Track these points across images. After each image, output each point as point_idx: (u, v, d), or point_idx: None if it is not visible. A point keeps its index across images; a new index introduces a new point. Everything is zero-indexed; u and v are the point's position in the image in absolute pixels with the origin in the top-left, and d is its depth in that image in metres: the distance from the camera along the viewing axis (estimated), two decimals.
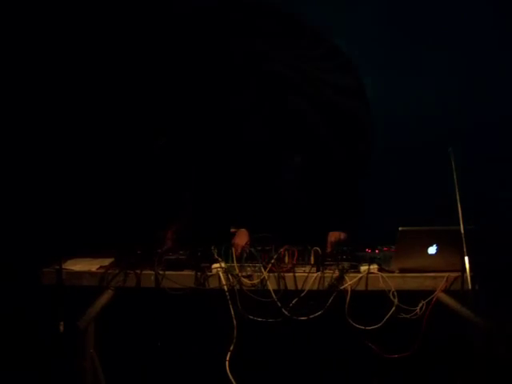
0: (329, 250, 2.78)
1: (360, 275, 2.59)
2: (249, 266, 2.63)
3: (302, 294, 2.55)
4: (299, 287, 2.58)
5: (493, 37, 3.69)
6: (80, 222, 3.46)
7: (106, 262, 2.78)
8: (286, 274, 2.60)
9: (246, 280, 2.60)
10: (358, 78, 4.03)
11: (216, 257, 2.66)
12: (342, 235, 2.92)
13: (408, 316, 2.56)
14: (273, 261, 2.61)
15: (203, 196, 3.41)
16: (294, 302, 2.55)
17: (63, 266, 2.67)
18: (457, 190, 2.51)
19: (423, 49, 3.84)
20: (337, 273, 2.59)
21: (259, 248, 2.68)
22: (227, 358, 2.59)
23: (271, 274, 2.60)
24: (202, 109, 3.92)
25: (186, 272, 2.66)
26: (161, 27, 3.94)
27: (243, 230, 2.96)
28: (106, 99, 3.81)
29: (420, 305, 2.56)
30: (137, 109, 3.81)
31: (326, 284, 2.58)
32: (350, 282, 2.57)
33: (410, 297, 2.59)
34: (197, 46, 3.99)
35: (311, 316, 2.55)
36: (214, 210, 3.36)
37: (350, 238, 2.97)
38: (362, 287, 2.58)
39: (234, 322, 2.56)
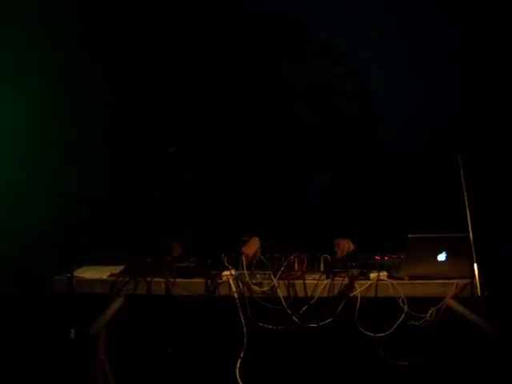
0: (339, 257, 2.79)
1: (369, 282, 2.60)
2: (259, 273, 2.64)
3: (312, 302, 2.56)
4: (309, 294, 2.59)
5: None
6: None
7: (117, 269, 2.79)
8: (295, 282, 2.61)
9: (256, 287, 2.61)
10: (364, 85, 4.05)
11: (226, 264, 2.67)
12: (351, 245, 2.92)
13: (418, 323, 2.56)
14: (283, 268, 2.62)
15: (214, 205, 3.42)
16: (303, 309, 2.55)
17: (74, 274, 2.68)
18: (465, 196, 2.52)
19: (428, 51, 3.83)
20: (346, 280, 2.59)
21: (269, 255, 2.69)
22: (237, 365, 2.59)
23: (281, 282, 2.61)
24: (211, 117, 3.94)
25: (196, 279, 2.67)
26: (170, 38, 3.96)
27: (255, 238, 2.96)
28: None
29: (430, 312, 2.56)
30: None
31: (336, 291, 2.58)
32: (359, 289, 2.58)
33: (419, 304, 2.60)
34: (204, 54, 4.02)
35: (321, 323, 2.55)
36: (225, 218, 3.37)
37: (358, 246, 2.97)
38: (371, 294, 2.59)
39: (244, 329, 2.57)
